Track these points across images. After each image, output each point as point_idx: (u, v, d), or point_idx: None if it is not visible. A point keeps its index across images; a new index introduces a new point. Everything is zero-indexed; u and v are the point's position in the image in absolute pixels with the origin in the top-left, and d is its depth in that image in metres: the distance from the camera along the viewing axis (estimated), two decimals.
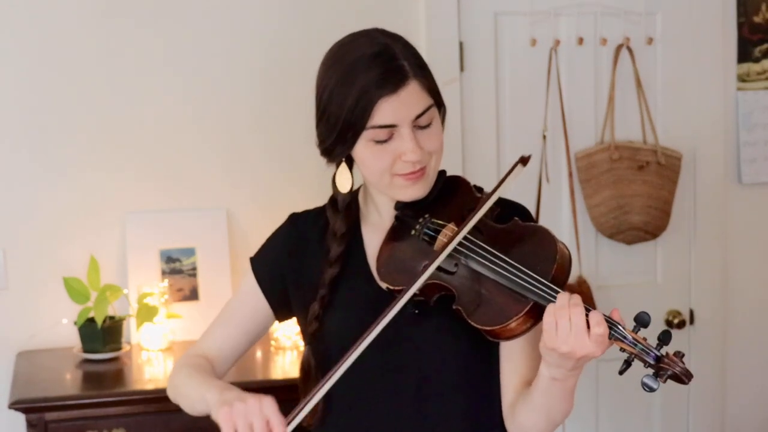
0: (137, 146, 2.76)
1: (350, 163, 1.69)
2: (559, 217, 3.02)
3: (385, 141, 1.58)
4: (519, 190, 2.96)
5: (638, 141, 3.03)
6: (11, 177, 2.70)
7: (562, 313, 1.45)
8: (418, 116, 1.59)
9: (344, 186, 1.69)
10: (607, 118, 3.01)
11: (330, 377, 1.52)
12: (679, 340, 3.13)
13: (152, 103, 2.76)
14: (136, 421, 2.34)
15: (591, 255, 3.04)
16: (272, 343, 2.66)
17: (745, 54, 3.13)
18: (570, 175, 2.98)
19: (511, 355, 1.68)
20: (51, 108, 2.70)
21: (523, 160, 1.66)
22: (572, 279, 2.99)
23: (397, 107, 1.56)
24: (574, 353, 1.45)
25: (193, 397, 1.66)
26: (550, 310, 1.47)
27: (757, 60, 3.15)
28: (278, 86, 2.81)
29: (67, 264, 2.70)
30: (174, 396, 1.77)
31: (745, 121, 3.13)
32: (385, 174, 1.61)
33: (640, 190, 2.94)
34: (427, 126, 1.61)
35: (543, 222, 2.95)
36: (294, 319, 1.81)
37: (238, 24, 2.79)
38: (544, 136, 2.96)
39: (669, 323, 3.12)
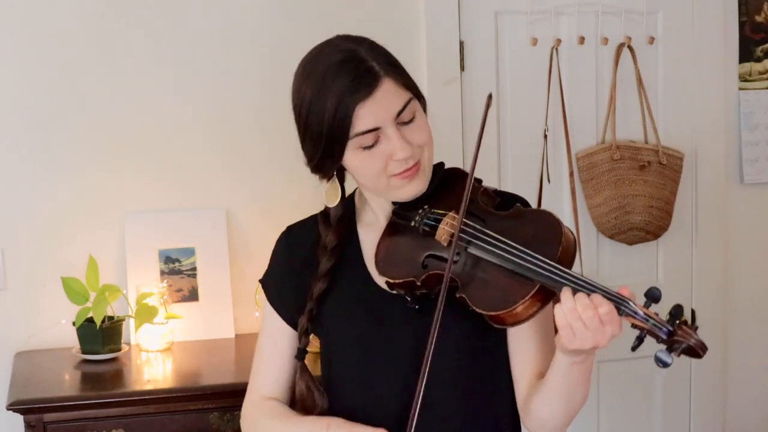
0: (137, 146, 2.75)
1: (341, 175, 1.68)
2: (560, 217, 2.98)
3: (372, 145, 1.57)
4: (520, 189, 2.94)
5: (639, 141, 3.02)
6: (10, 177, 2.69)
7: (574, 317, 1.43)
8: (399, 113, 1.57)
9: (332, 200, 1.69)
10: (608, 118, 3.00)
11: (417, 397, 1.52)
12: None
13: (152, 103, 2.75)
14: (135, 421, 2.33)
15: (592, 255, 3.03)
16: None
17: (746, 53, 3.13)
18: (571, 174, 2.98)
19: (522, 348, 1.66)
20: (50, 108, 2.69)
21: (489, 100, 1.61)
22: None
23: (376, 109, 1.54)
24: (598, 345, 1.44)
25: None
26: (560, 315, 1.44)
27: (758, 59, 3.14)
28: (278, 86, 2.78)
29: (66, 264, 2.69)
30: None
31: (746, 121, 3.13)
32: (380, 177, 1.60)
33: (641, 190, 2.93)
34: (411, 121, 1.59)
35: None
36: None
37: (238, 24, 2.78)
38: (545, 136, 2.96)
39: None
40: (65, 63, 2.69)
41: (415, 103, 1.61)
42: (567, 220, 3.00)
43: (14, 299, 2.70)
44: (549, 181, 2.97)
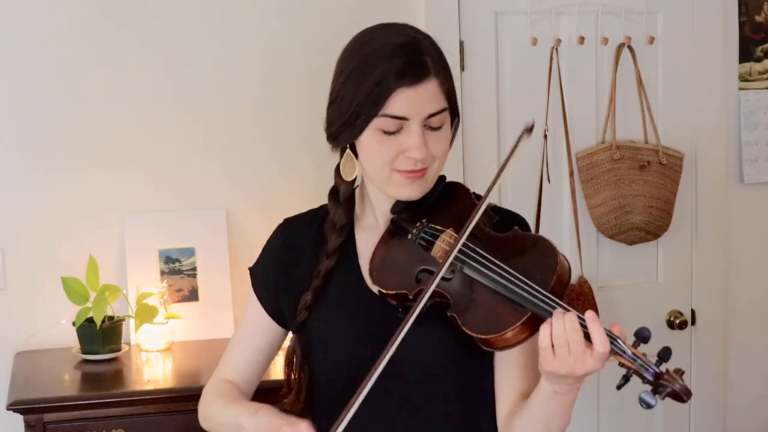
0: (136, 146, 2.75)
1: (353, 153, 1.67)
2: (560, 217, 3.01)
3: (393, 133, 1.57)
4: (520, 190, 2.95)
5: (639, 141, 3.02)
6: (10, 177, 2.69)
7: (561, 342, 1.42)
8: (431, 115, 1.57)
9: (349, 174, 1.67)
10: (608, 118, 3.00)
11: (354, 401, 1.50)
12: (680, 341, 3.12)
13: (151, 103, 2.75)
14: (135, 421, 2.33)
15: (592, 255, 3.03)
16: None
17: (746, 53, 3.12)
18: (571, 174, 2.97)
19: (507, 368, 1.66)
20: (50, 108, 2.69)
21: (528, 130, 1.63)
22: (573, 279, 2.98)
23: (413, 100, 1.55)
24: (574, 373, 1.43)
25: (227, 423, 1.67)
26: (545, 335, 1.43)
27: (758, 59, 3.14)
28: (278, 86, 2.80)
29: (66, 264, 2.69)
30: (207, 426, 1.77)
31: (746, 121, 3.13)
32: (385, 167, 1.59)
33: (641, 190, 2.93)
34: (438, 129, 1.59)
35: (544, 222, 2.96)
36: None
37: (238, 24, 2.78)
38: (545, 136, 2.96)
39: (670, 324, 3.11)
40: (65, 63, 2.69)
41: (447, 116, 1.61)
42: (567, 220, 3.00)
43: (14, 299, 2.70)
44: (549, 181, 2.97)
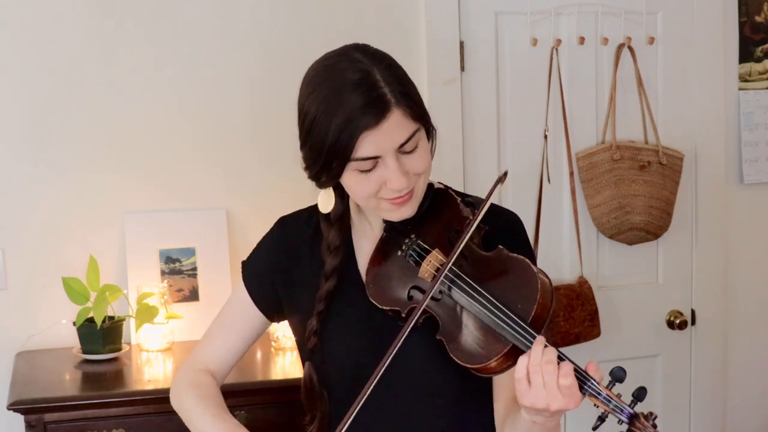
0: (136, 146, 2.75)
1: (337, 186, 1.67)
2: (560, 217, 3.01)
3: (369, 170, 1.55)
4: (520, 191, 2.95)
5: (639, 141, 3.02)
6: (10, 177, 2.69)
7: (535, 370, 1.43)
8: (402, 144, 1.55)
9: (325, 207, 1.68)
10: (608, 118, 3.00)
11: (347, 418, 1.52)
12: (680, 341, 3.13)
13: (151, 104, 2.75)
14: (136, 421, 2.33)
15: (592, 255, 3.03)
16: (272, 343, 2.65)
17: (746, 53, 3.13)
18: (571, 174, 2.98)
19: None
20: (50, 108, 2.69)
21: (501, 179, 1.61)
22: (573, 279, 2.98)
23: (380, 139, 1.52)
24: (548, 408, 1.43)
25: (196, 428, 1.71)
26: (521, 366, 1.44)
27: (758, 60, 3.14)
28: (277, 86, 2.80)
29: (67, 264, 2.69)
30: (178, 409, 1.79)
31: (746, 121, 3.13)
32: (371, 199, 1.59)
33: (641, 190, 2.93)
34: (413, 150, 1.57)
35: (544, 222, 2.97)
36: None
37: (237, 25, 2.78)
38: (545, 136, 2.96)
39: (670, 324, 3.11)
40: (64, 64, 2.69)
41: (420, 133, 1.58)
42: (567, 220, 3.00)
43: (14, 299, 2.70)
44: (549, 181, 2.97)
